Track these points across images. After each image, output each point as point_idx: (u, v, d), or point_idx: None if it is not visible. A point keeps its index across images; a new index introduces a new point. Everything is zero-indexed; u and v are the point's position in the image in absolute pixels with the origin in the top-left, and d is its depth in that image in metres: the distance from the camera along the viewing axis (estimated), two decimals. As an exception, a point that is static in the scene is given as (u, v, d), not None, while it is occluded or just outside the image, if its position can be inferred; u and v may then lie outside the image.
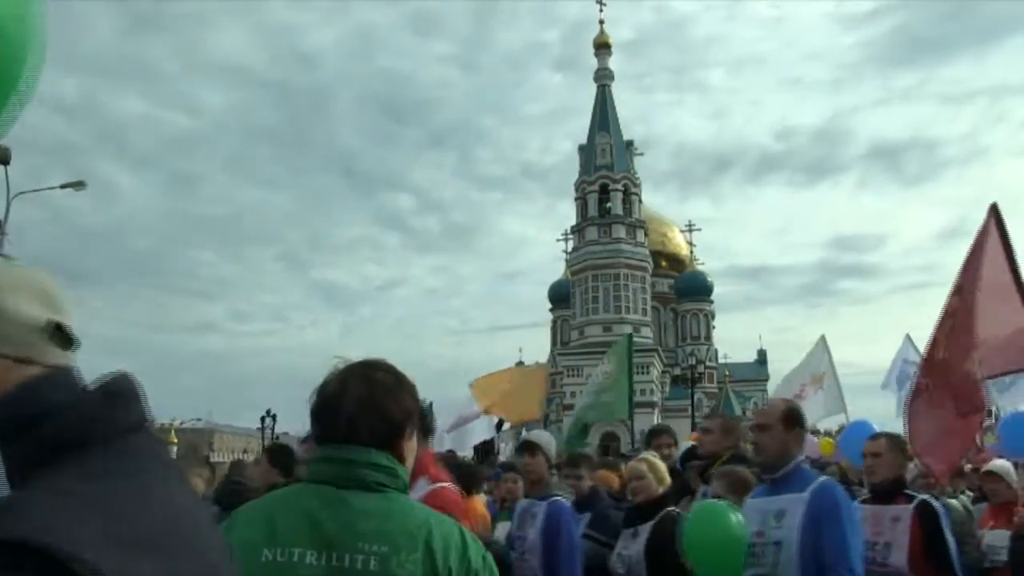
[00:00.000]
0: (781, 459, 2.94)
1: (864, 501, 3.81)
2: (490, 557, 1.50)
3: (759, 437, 3.02)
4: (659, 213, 59.87)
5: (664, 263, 57.18)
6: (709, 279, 59.30)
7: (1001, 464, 4.92)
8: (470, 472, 5.57)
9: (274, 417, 38.11)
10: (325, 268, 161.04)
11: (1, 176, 17.26)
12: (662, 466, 4.03)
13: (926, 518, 3.48)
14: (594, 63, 53.88)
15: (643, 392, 47.71)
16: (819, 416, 10.19)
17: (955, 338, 5.22)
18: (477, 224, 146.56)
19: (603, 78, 53.31)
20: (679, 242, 60.35)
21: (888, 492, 3.70)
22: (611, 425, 34.86)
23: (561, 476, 4.79)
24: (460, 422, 12.16)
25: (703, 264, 61.05)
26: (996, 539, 4.41)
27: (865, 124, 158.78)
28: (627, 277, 49.54)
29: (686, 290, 57.23)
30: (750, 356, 60.34)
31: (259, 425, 37.83)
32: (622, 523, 3.98)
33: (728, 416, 4.86)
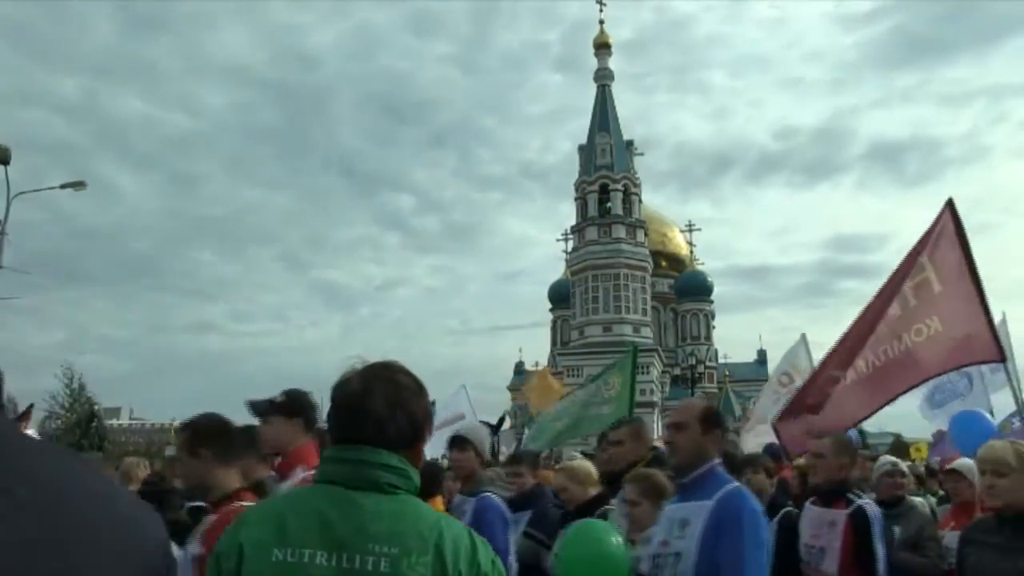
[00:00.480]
0: (695, 461, 2.70)
1: (813, 502, 3.73)
2: (499, 561, 1.50)
3: (674, 436, 2.77)
4: (659, 213, 59.90)
5: (664, 263, 57.18)
6: (709, 279, 59.33)
7: (964, 462, 4.72)
8: (430, 472, 5.41)
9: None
10: (325, 268, 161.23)
11: (1, 176, 17.28)
12: (583, 468, 4.05)
13: (859, 524, 3.38)
14: (594, 63, 53.89)
15: (643, 392, 47.59)
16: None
17: (848, 342, 5.27)
18: (477, 224, 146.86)
19: (603, 78, 53.31)
20: (679, 242, 60.36)
21: (829, 494, 3.60)
22: (611, 425, 34.93)
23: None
24: (440, 424, 12.31)
25: (703, 264, 61.19)
26: (954, 541, 4.29)
27: (865, 124, 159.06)
28: (627, 277, 49.54)
29: (686, 290, 57.24)
30: (750, 356, 60.35)
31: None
32: (559, 522, 3.91)
33: (635, 421, 4.65)
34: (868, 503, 3.54)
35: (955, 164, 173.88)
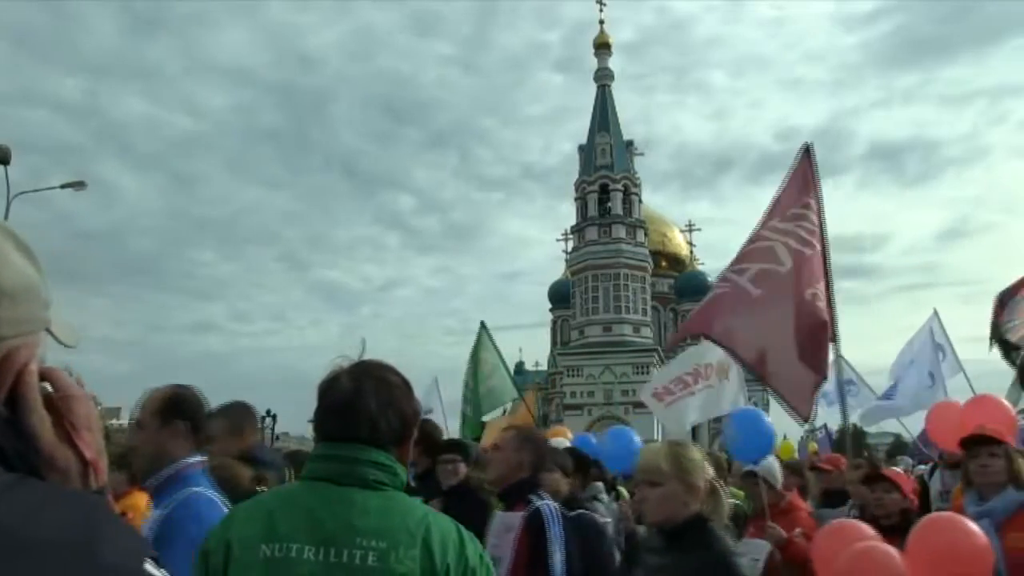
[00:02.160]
0: (156, 465, 2.25)
1: (506, 507, 3.28)
2: (487, 555, 1.52)
3: (136, 437, 2.35)
4: (659, 213, 59.95)
5: (664, 263, 57.23)
6: (709, 279, 59.24)
7: (767, 463, 4.29)
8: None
9: (274, 417, 38.14)
10: (325, 268, 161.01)
11: (1, 176, 17.28)
12: None
13: (533, 527, 3.01)
14: (594, 63, 53.90)
15: (643, 392, 47.68)
16: (716, 410, 8.92)
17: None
18: (478, 224, 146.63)
19: (603, 78, 53.32)
20: (679, 242, 60.41)
21: (511, 496, 3.18)
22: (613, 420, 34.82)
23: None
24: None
25: (703, 264, 61.13)
26: (754, 549, 3.68)
27: (865, 124, 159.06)
28: (627, 277, 49.57)
29: (686, 290, 57.23)
30: (750, 356, 60.23)
31: (259, 425, 37.82)
32: None
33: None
34: (546, 504, 3.12)
35: (955, 164, 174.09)
